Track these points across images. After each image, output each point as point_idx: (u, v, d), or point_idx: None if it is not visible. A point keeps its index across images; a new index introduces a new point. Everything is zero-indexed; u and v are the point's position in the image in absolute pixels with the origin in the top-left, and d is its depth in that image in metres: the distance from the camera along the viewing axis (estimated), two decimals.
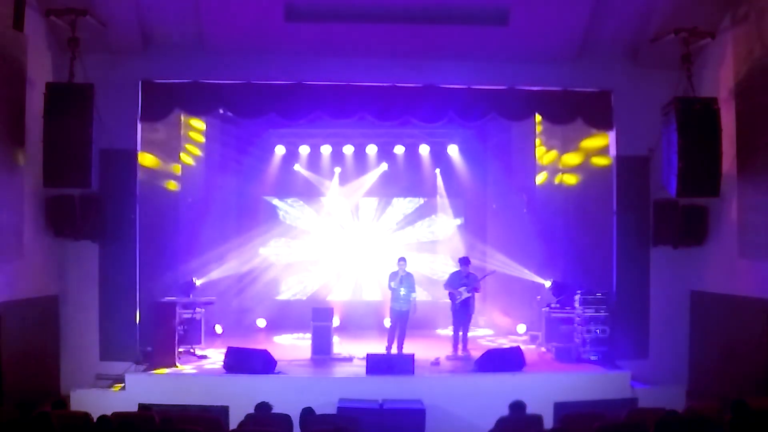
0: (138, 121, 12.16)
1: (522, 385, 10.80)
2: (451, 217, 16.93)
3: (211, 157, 15.10)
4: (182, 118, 13.83)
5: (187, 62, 12.14)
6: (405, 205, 17.15)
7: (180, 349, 12.16)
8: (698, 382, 12.05)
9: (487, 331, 15.92)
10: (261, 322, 16.12)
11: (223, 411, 10.02)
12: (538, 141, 15.15)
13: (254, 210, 16.71)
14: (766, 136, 10.57)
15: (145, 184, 12.42)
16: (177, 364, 11.79)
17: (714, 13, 11.42)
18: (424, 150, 16.67)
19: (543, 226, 15.19)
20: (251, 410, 8.50)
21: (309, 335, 12.81)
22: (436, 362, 12.24)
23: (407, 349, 12.54)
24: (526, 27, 11.75)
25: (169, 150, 13.68)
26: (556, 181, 14.90)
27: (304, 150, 16.56)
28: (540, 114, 12.67)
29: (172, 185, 13.91)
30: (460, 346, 12.91)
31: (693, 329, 12.58)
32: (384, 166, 16.61)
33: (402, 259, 12.97)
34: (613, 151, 12.76)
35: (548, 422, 8.90)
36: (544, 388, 10.82)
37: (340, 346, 13.09)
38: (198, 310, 13.29)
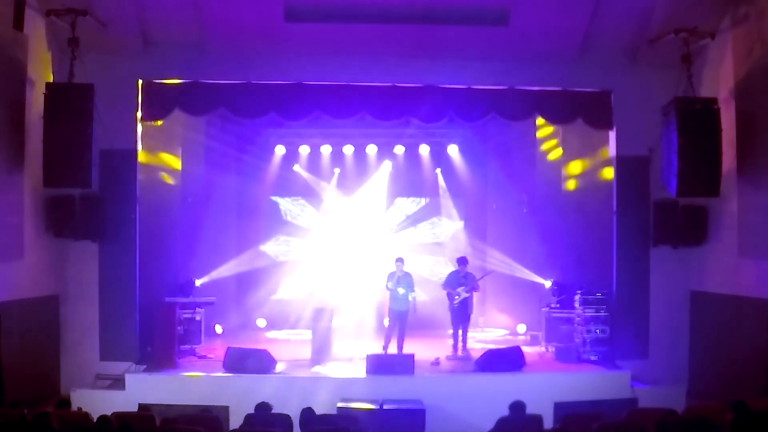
0: (138, 121, 12.17)
1: (522, 385, 10.81)
2: (451, 217, 16.91)
3: (211, 157, 15.09)
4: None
5: (187, 62, 12.14)
6: (406, 205, 17.14)
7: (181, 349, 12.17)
8: (698, 382, 12.04)
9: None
10: (261, 322, 16.11)
11: (223, 411, 10.02)
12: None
13: (254, 210, 16.70)
14: (766, 136, 10.57)
15: (144, 184, 12.42)
16: (177, 364, 11.80)
17: (714, 13, 11.41)
18: (424, 150, 16.66)
19: (543, 226, 15.20)
20: (251, 410, 8.51)
21: (305, 332, 12.76)
22: (436, 362, 12.24)
23: (407, 349, 12.54)
24: (526, 27, 11.75)
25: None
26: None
27: (304, 150, 16.55)
28: (540, 114, 12.67)
29: (167, 178, 13.84)
30: (460, 346, 12.91)
31: (693, 329, 12.58)
32: (388, 165, 16.61)
33: (399, 259, 12.96)
34: (613, 151, 12.76)
35: (548, 422, 8.91)
36: (544, 388, 10.83)
37: (340, 346, 13.08)
38: (198, 310, 13.29)
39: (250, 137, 15.64)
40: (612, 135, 12.74)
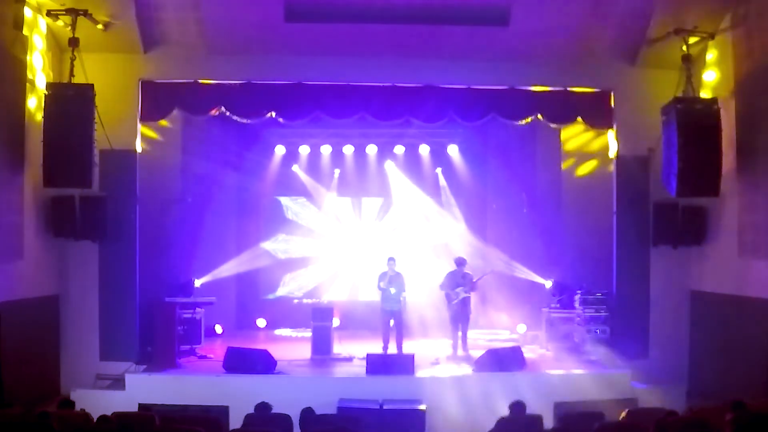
0: (138, 121, 12.17)
1: (522, 385, 10.79)
2: (451, 217, 16.89)
3: (211, 156, 15.08)
4: None
5: (187, 62, 12.15)
6: (406, 205, 17.13)
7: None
8: (698, 382, 12.04)
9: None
10: (261, 322, 16.11)
11: (223, 411, 10.01)
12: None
13: (254, 210, 16.69)
14: (766, 136, 10.57)
15: (144, 184, 12.41)
16: (177, 364, 11.80)
17: (714, 13, 11.41)
18: (424, 150, 16.66)
19: (543, 226, 15.19)
20: (251, 410, 8.50)
21: (305, 331, 12.77)
22: (436, 362, 12.24)
23: (407, 349, 12.54)
24: (526, 27, 11.75)
25: None
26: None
27: (304, 150, 16.54)
28: (540, 114, 12.66)
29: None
30: (460, 346, 12.90)
31: (693, 329, 12.58)
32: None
33: (391, 259, 12.98)
34: (613, 151, 12.76)
35: (548, 422, 8.90)
36: (544, 388, 10.82)
37: (340, 346, 13.08)
38: (198, 310, 13.29)
39: (250, 137, 15.63)
40: (612, 135, 12.74)
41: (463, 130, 15.66)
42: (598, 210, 13.24)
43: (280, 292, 16.73)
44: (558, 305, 13.62)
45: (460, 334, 12.94)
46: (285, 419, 8.20)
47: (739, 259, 11.21)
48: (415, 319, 14.23)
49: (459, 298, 12.84)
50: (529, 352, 12.49)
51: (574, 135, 14.31)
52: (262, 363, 11.35)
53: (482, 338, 14.80)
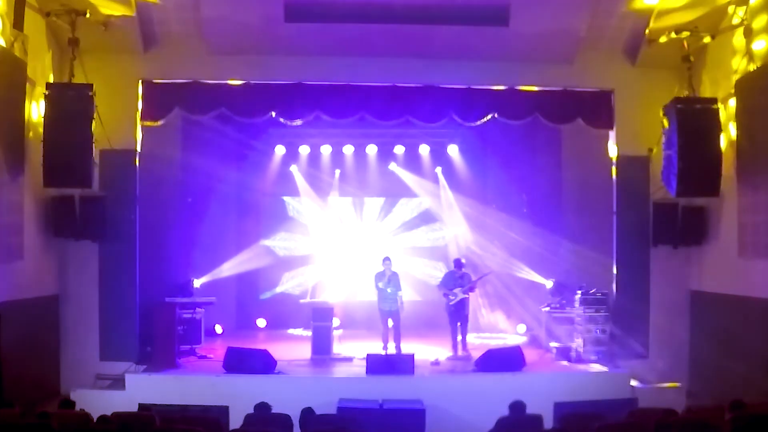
0: (138, 121, 12.17)
1: (522, 385, 10.79)
2: (451, 217, 16.88)
3: (211, 157, 15.08)
4: None
5: (187, 62, 12.17)
6: (407, 206, 17.14)
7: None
8: (698, 382, 12.04)
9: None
10: (261, 322, 16.11)
11: (223, 411, 9.99)
12: None
13: (254, 209, 16.70)
14: (766, 136, 10.56)
15: (144, 184, 12.41)
16: (177, 364, 11.80)
17: (714, 13, 11.40)
18: (424, 150, 16.65)
19: (543, 226, 15.18)
20: (251, 410, 8.49)
21: (305, 331, 12.78)
22: (436, 362, 12.24)
23: (407, 349, 12.54)
24: (526, 27, 11.74)
25: None
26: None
27: (304, 150, 16.54)
28: (540, 114, 12.67)
29: None
30: (459, 346, 12.91)
31: (693, 329, 12.58)
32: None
33: (387, 259, 13.02)
34: (613, 151, 12.76)
35: (548, 422, 8.89)
36: (544, 388, 10.81)
37: (340, 346, 13.09)
38: (198, 310, 13.29)
39: (251, 137, 15.63)
40: (612, 135, 12.74)
41: (463, 130, 15.66)
42: (598, 210, 13.23)
43: (279, 290, 16.71)
44: (558, 305, 13.61)
45: (459, 334, 12.94)
46: (285, 419, 8.19)
47: (739, 259, 11.20)
48: (416, 319, 14.24)
49: (457, 299, 12.84)
50: (529, 352, 12.47)
51: None
52: (262, 363, 11.34)
53: (483, 341, 14.81)
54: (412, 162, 16.73)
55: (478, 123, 12.83)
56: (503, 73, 12.37)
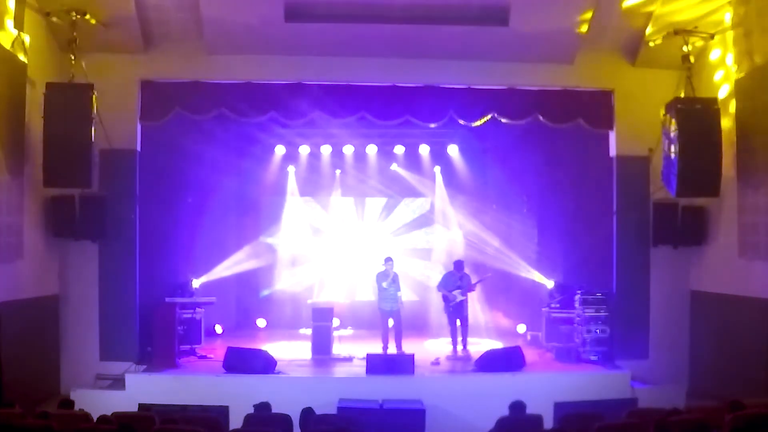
0: (138, 121, 12.17)
1: (522, 385, 10.80)
2: (451, 218, 16.87)
3: (211, 156, 15.08)
4: None
5: (187, 62, 12.16)
6: (407, 206, 17.13)
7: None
8: (698, 382, 12.04)
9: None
10: (261, 322, 16.10)
11: (223, 411, 10.00)
12: None
13: (255, 209, 16.71)
14: (765, 136, 10.57)
15: (144, 184, 12.41)
16: (177, 364, 11.80)
17: (714, 13, 11.40)
18: (424, 150, 16.65)
19: (543, 226, 15.18)
20: (251, 410, 8.50)
21: (305, 331, 12.77)
22: (436, 362, 12.24)
23: (407, 349, 12.54)
24: (526, 27, 11.73)
25: None
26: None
27: (304, 150, 16.54)
28: (540, 114, 12.67)
29: None
30: (459, 347, 12.91)
31: (693, 329, 12.58)
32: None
33: (389, 259, 13.05)
34: (613, 151, 12.76)
35: (548, 422, 8.89)
36: (544, 388, 10.81)
37: (340, 346, 13.09)
38: (198, 310, 13.30)
39: (251, 137, 15.63)
40: (612, 135, 12.74)
41: (463, 130, 15.65)
42: (598, 210, 13.23)
43: (281, 291, 16.70)
44: (558, 305, 13.62)
45: (459, 334, 12.94)
46: (285, 419, 8.19)
47: (739, 259, 11.21)
48: (416, 319, 14.24)
49: (456, 300, 12.86)
50: (529, 352, 12.47)
51: None
52: (262, 363, 11.35)
53: (483, 343, 14.79)
54: (412, 162, 16.74)
55: (478, 123, 12.83)
56: (503, 73, 12.36)
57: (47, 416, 7.19)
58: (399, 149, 16.54)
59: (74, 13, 10.83)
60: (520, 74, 12.38)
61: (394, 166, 16.59)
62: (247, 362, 11.35)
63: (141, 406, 9.61)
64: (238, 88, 12.27)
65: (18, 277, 10.60)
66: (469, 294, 13.25)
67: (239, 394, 10.26)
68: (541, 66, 12.31)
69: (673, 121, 11.11)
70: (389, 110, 12.60)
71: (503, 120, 12.71)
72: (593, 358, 12.35)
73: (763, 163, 10.62)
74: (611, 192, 12.76)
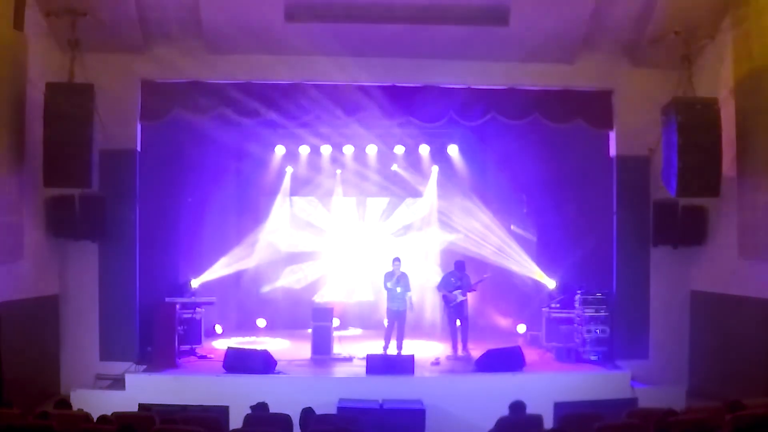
0: (138, 121, 12.17)
1: (522, 385, 10.80)
2: (450, 218, 16.86)
3: (211, 156, 15.09)
4: None
5: (187, 62, 12.13)
6: (408, 206, 17.12)
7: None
8: (698, 383, 12.04)
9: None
10: (261, 322, 16.10)
11: (223, 411, 10.01)
12: None
13: (254, 209, 16.70)
14: (765, 136, 10.57)
15: (144, 184, 12.41)
16: (177, 364, 11.80)
17: (714, 13, 11.41)
18: (424, 150, 16.64)
19: (543, 225, 15.17)
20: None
21: (305, 331, 12.77)
22: (436, 362, 12.24)
23: (407, 349, 12.54)
24: (526, 27, 11.74)
25: None
26: None
27: (304, 150, 16.53)
28: (540, 114, 12.67)
29: None
30: (459, 347, 12.91)
31: (693, 329, 12.58)
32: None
33: (397, 259, 13.04)
34: (613, 151, 12.76)
35: (548, 422, 8.90)
36: (544, 388, 10.83)
37: (340, 346, 13.09)
38: (198, 310, 13.30)
39: (250, 137, 15.63)
40: (612, 135, 12.74)
41: (463, 130, 15.66)
42: (598, 210, 13.23)
43: (281, 291, 16.70)
44: (558, 305, 13.62)
45: (459, 334, 12.94)
46: (285, 419, 8.19)
47: (739, 259, 11.21)
48: (416, 319, 14.23)
49: (457, 300, 12.86)
50: (529, 352, 12.47)
51: None
52: (262, 363, 11.35)
53: (483, 338, 14.80)
54: (412, 162, 16.73)
55: (478, 123, 12.84)
56: (503, 73, 12.36)
57: (47, 416, 7.19)
58: (399, 149, 16.53)
59: (74, 13, 10.82)
60: (520, 74, 12.38)
61: (394, 167, 16.59)
62: (247, 362, 11.35)
63: (141, 406, 9.62)
64: (238, 88, 12.26)
65: (18, 277, 10.60)
66: (469, 294, 13.23)
67: (239, 394, 10.27)
68: (541, 66, 12.30)
69: (674, 121, 11.10)
70: (389, 110, 12.59)
71: (503, 120, 12.71)
72: (593, 358, 12.35)
73: (763, 163, 10.62)
74: (611, 192, 12.77)
